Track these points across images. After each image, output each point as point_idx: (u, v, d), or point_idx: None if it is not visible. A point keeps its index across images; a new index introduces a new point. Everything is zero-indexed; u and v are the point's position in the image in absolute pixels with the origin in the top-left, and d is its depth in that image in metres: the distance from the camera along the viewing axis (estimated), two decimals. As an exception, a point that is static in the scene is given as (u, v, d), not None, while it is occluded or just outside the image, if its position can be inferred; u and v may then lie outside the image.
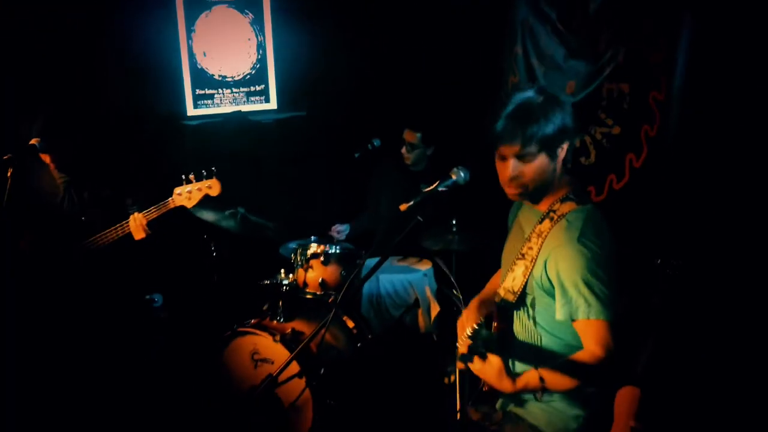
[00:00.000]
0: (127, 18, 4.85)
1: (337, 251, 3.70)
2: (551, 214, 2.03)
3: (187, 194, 3.38)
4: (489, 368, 1.85)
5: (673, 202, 3.23)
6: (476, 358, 1.90)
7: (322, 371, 3.30)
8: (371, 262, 3.97)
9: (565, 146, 1.98)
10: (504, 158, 2.01)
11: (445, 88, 5.22)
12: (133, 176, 3.78)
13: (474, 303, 2.34)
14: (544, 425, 2.13)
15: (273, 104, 5.78)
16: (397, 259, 4.34)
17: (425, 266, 4.17)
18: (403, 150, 4.45)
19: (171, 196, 3.42)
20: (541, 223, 2.05)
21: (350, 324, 3.03)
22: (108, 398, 3.58)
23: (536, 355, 2.01)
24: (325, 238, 4.32)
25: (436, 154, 4.51)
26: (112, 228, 3.42)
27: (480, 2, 4.87)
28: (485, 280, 2.77)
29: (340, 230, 4.49)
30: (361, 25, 5.47)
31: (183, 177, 3.39)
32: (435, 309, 4.07)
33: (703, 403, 2.95)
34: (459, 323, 2.28)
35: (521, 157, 1.97)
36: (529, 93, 1.97)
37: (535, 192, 2.04)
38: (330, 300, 3.61)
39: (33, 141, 3.26)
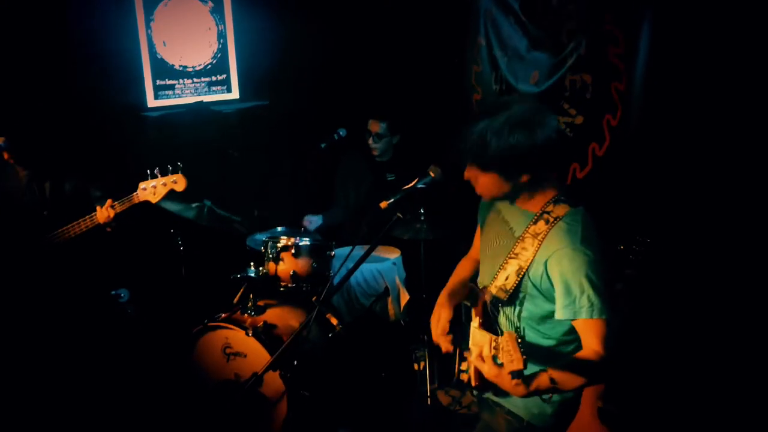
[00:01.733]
0: (84, 8, 4.74)
1: (308, 243, 3.71)
2: (545, 215, 2.08)
3: (151, 189, 3.35)
4: (505, 373, 1.86)
5: (636, 189, 3.32)
6: (491, 364, 1.90)
7: (295, 363, 3.32)
8: (341, 252, 4.03)
9: (525, 177, 2.04)
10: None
11: (409, 77, 5.23)
12: (97, 168, 3.71)
13: (444, 297, 2.36)
14: (521, 411, 2.20)
15: (235, 94, 5.73)
16: (364, 248, 4.35)
17: (394, 255, 4.21)
18: (369, 140, 4.46)
19: (136, 190, 3.38)
20: (535, 223, 2.09)
21: (334, 321, 3.06)
22: (75, 394, 3.54)
23: (534, 353, 2.05)
24: (293, 229, 4.33)
25: (402, 144, 4.53)
26: (81, 220, 3.37)
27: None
28: (453, 267, 2.81)
29: (312, 221, 4.48)
30: (324, 13, 5.44)
31: (148, 171, 3.35)
32: (404, 297, 4.11)
33: (669, 383, 3.08)
34: (433, 318, 2.31)
35: (470, 164, 2.07)
36: (505, 110, 1.99)
37: (495, 198, 2.15)
38: (313, 298, 3.63)
39: None
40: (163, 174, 3.36)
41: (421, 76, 5.16)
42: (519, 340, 1.81)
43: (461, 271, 2.52)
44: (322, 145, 4.42)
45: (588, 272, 1.97)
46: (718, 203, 2.98)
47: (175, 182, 3.36)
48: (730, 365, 2.93)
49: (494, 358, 1.91)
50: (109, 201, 3.34)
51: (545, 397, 2.01)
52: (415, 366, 4.17)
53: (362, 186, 4.63)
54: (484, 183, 2.08)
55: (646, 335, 3.05)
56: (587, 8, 3.58)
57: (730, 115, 2.90)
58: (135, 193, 3.36)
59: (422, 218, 3.89)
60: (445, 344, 2.24)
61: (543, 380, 1.93)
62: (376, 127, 4.41)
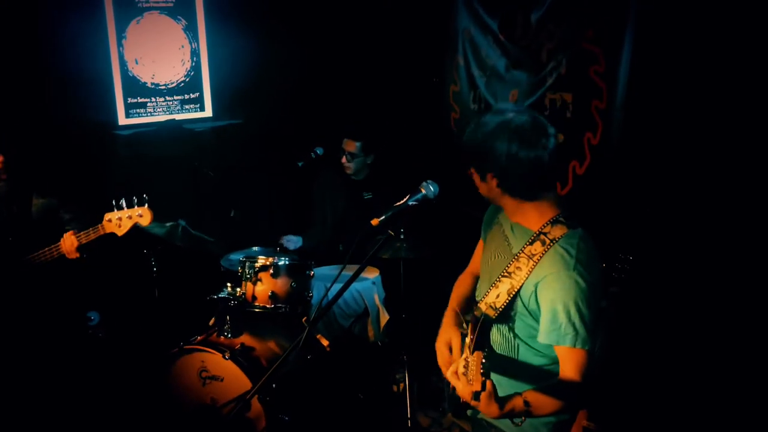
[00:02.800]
0: (55, 23, 4.64)
1: (287, 263, 3.64)
2: (542, 236, 2.04)
3: (117, 221, 3.22)
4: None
5: (617, 207, 3.33)
6: (465, 383, 1.87)
7: (273, 386, 3.23)
8: (320, 271, 3.97)
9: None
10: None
11: (385, 96, 5.23)
12: (67, 189, 3.60)
13: (449, 320, 2.32)
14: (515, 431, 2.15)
15: (208, 112, 5.66)
16: (338, 267, 4.29)
17: (373, 274, 4.16)
18: (343, 159, 4.42)
19: (102, 220, 3.27)
20: (531, 244, 2.05)
21: (324, 342, 2.98)
22: (45, 419, 3.41)
23: (522, 371, 2.02)
24: (268, 249, 4.25)
25: (378, 162, 4.51)
26: (45, 249, 3.26)
27: (420, 11, 4.91)
28: (433, 288, 2.78)
29: (291, 240, 4.41)
30: (298, 31, 5.43)
31: (114, 202, 3.22)
32: (384, 318, 4.06)
33: (654, 400, 3.07)
34: (440, 343, 2.26)
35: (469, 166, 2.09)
36: (506, 115, 1.99)
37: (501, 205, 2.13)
38: (303, 319, 3.58)
39: None
40: (129, 206, 3.23)
41: (397, 94, 5.17)
42: (483, 361, 1.80)
43: (460, 288, 2.47)
44: (300, 164, 4.38)
45: (577, 300, 1.94)
46: (699, 219, 3.00)
47: (140, 215, 3.22)
48: (715, 382, 2.93)
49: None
50: (71, 232, 3.23)
51: (516, 420, 1.98)
52: (395, 388, 4.11)
53: (338, 204, 4.59)
54: (483, 189, 2.09)
55: (630, 352, 3.04)
56: (567, 27, 3.61)
57: (711, 133, 2.94)
58: (100, 225, 3.23)
59: (402, 237, 3.85)
60: (450, 371, 2.20)
61: (518, 403, 1.91)
62: (351, 146, 4.39)
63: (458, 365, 1.93)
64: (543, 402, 1.94)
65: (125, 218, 3.22)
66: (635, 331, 3.04)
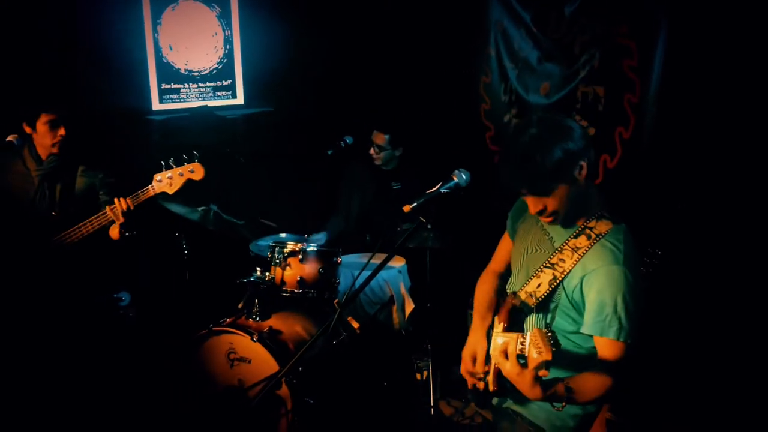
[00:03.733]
0: (92, 11, 4.72)
1: (316, 249, 3.69)
2: (587, 230, 2.07)
3: (168, 180, 3.27)
4: (526, 374, 1.86)
5: (647, 201, 3.32)
6: (515, 362, 1.89)
7: (300, 369, 3.28)
8: (347, 259, 4.01)
9: (583, 165, 1.99)
10: (524, 195, 2.06)
11: (415, 88, 5.24)
12: (105, 170, 3.67)
13: (477, 328, 2.32)
14: (542, 422, 2.18)
15: (240, 100, 5.71)
16: (367, 256, 4.34)
17: (399, 263, 4.19)
18: (372, 151, 4.46)
19: (150, 182, 3.32)
20: (576, 237, 2.08)
21: (355, 324, 3.02)
22: (75, 399, 3.49)
23: (557, 362, 2.04)
24: (296, 235, 4.30)
25: (407, 153, 4.53)
26: (93, 217, 3.32)
27: (452, 2, 4.90)
28: (458, 278, 2.79)
29: (317, 239, 4.43)
30: (330, 21, 5.45)
31: (162, 163, 3.28)
32: (409, 306, 4.09)
33: (679, 396, 3.06)
34: (467, 354, 2.28)
35: (537, 195, 2.01)
36: (531, 129, 1.96)
37: (568, 215, 2.08)
38: (335, 301, 3.64)
39: (10, 138, 3.16)
40: (179, 164, 3.29)
41: (428, 85, 5.17)
42: (549, 334, 1.82)
43: (485, 287, 2.46)
44: (329, 152, 4.41)
45: (625, 294, 1.97)
46: (730, 216, 2.98)
47: (192, 171, 3.28)
48: (743, 379, 2.92)
49: (519, 357, 1.90)
50: (120, 198, 3.29)
51: (557, 405, 2.01)
52: (418, 376, 4.14)
53: (367, 194, 4.62)
54: (554, 200, 2.01)
55: (656, 347, 3.04)
56: (601, 21, 3.59)
57: (745, 129, 2.91)
58: (150, 186, 3.29)
59: (429, 227, 3.87)
60: (472, 381, 2.23)
61: (560, 388, 1.94)
62: (380, 139, 4.42)
63: (507, 345, 1.93)
64: (584, 389, 1.97)
65: (176, 176, 3.28)
66: (661, 325, 3.04)
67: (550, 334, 1.82)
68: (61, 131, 3.32)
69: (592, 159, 2.02)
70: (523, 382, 1.87)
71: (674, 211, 3.20)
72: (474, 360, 2.24)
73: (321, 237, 4.48)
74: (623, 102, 3.44)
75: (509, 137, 2.03)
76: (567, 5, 3.85)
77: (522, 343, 1.90)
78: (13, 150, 3.20)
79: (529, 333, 1.88)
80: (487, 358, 2.23)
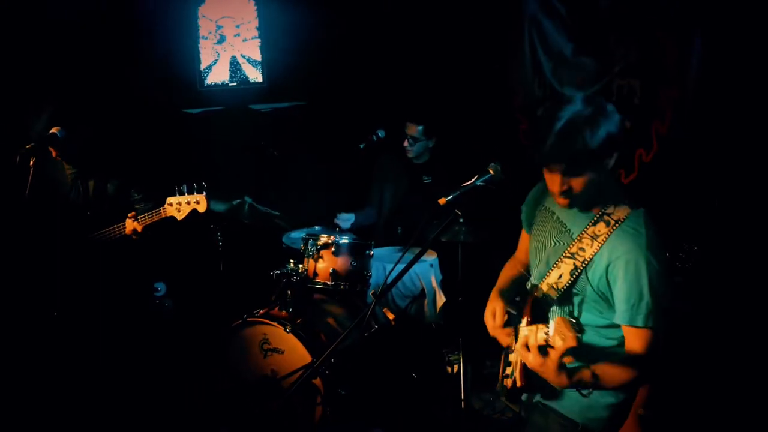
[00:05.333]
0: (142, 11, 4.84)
1: (348, 242, 3.72)
2: (606, 217, 2.05)
3: (177, 205, 3.38)
4: (549, 362, 1.86)
5: (683, 197, 3.28)
6: (536, 353, 1.90)
7: (332, 360, 3.32)
8: (379, 252, 4.03)
9: (615, 155, 1.98)
10: (552, 171, 2.00)
11: (449, 79, 5.23)
12: (139, 168, 3.75)
13: (495, 293, 2.35)
14: (575, 415, 2.17)
15: (273, 93, 5.77)
16: (398, 249, 4.36)
17: (431, 256, 4.20)
18: (405, 143, 4.46)
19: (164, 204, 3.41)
20: (594, 225, 2.06)
21: (390, 315, 3.06)
22: (112, 386, 3.57)
23: (583, 351, 2.04)
24: (329, 228, 4.34)
25: (438, 146, 4.53)
26: (112, 227, 3.43)
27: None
28: (490, 272, 2.79)
29: (345, 218, 4.49)
30: (364, 14, 5.46)
31: (176, 188, 3.38)
32: (440, 300, 4.10)
33: (706, 392, 3.03)
34: (488, 313, 2.29)
35: (568, 173, 1.97)
36: (578, 105, 1.92)
37: (586, 201, 2.06)
38: (372, 292, 3.69)
39: (54, 130, 3.24)
40: (189, 192, 3.38)
41: (461, 78, 5.15)
42: (572, 320, 1.82)
43: (508, 270, 2.50)
44: (361, 146, 4.43)
45: (651, 279, 1.95)
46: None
47: (198, 203, 3.38)
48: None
49: (540, 348, 1.90)
50: (132, 214, 3.38)
51: (584, 392, 2.00)
52: (449, 369, 4.15)
53: (399, 188, 4.64)
54: (582, 181, 1.97)
55: (692, 344, 3.01)
56: (638, 14, 3.54)
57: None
58: (162, 208, 3.40)
59: (461, 220, 3.87)
60: (503, 337, 2.23)
61: (585, 374, 1.94)
62: (412, 130, 4.42)
63: (528, 338, 1.94)
64: (611, 374, 1.96)
65: (184, 204, 3.37)
66: (697, 322, 3.00)
67: (573, 320, 1.83)
68: (53, 153, 3.39)
69: (622, 152, 2.00)
70: (548, 370, 1.88)
71: (711, 207, 3.15)
72: (494, 316, 2.25)
73: (349, 217, 4.50)
74: (660, 96, 3.39)
75: (551, 109, 1.96)
76: (603, -2, 3.81)
77: (546, 333, 1.90)
78: (56, 142, 3.27)
79: (551, 323, 1.89)
80: (508, 347, 2.24)
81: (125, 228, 3.40)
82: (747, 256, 3.01)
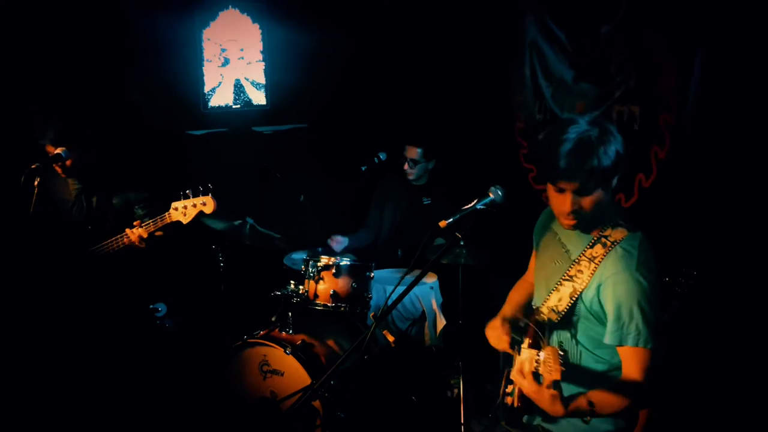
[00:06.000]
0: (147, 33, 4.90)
1: (349, 263, 3.72)
2: (603, 239, 2.08)
3: (182, 209, 3.33)
4: (544, 391, 1.87)
5: (682, 222, 3.29)
6: (531, 380, 1.91)
7: (332, 383, 3.31)
8: (379, 274, 4.04)
9: (617, 176, 2.01)
10: (562, 191, 2.01)
11: (448, 106, 5.27)
12: (142, 185, 3.76)
13: (498, 321, 2.36)
14: (577, 440, 2.17)
15: (275, 116, 5.82)
16: (399, 271, 4.37)
17: (431, 279, 4.20)
18: (406, 166, 4.49)
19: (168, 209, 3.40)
20: (592, 247, 2.09)
21: (390, 338, 3.06)
22: (111, 406, 3.56)
23: (583, 377, 2.04)
24: (329, 249, 4.35)
25: (438, 168, 4.56)
26: (116, 237, 3.41)
27: (486, 20, 4.94)
28: (491, 295, 2.81)
29: (339, 241, 4.49)
30: (366, 39, 5.53)
31: (181, 192, 3.36)
32: (441, 323, 4.09)
33: (714, 416, 3.01)
34: (494, 337, 2.30)
35: (580, 192, 1.98)
36: (583, 125, 1.95)
37: (590, 222, 2.08)
38: (371, 315, 3.67)
39: (58, 150, 3.26)
40: (195, 195, 3.35)
41: (461, 102, 5.20)
42: (560, 353, 1.84)
43: (515, 294, 2.51)
44: (363, 168, 4.47)
45: (640, 300, 1.96)
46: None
47: (204, 204, 3.32)
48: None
49: (535, 375, 1.91)
50: (137, 222, 3.37)
51: (585, 418, 2.01)
52: (449, 393, 4.13)
53: (399, 209, 4.66)
54: (591, 201, 2.00)
55: (691, 368, 3.00)
56: (638, 41, 3.59)
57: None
58: (167, 213, 3.36)
59: (461, 243, 3.88)
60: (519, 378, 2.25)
61: (582, 402, 1.94)
62: (412, 152, 4.46)
63: (523, 365, 1.95)
64: (607, 401, 1.96)
65: (190, 206, 3.33)
66: (695, 346, 3.00)
67: (561, 353, 1.84)
68: (58, 170, 3.40)
69: (624, 174, 2.03)
70: (543, 399, 1.89)
71: (711, 232, 3.17)
72: (500, 340, 2.26)
73: (344, 240, 4.50)
74: (659, 121, 3.42)
75: (556, 131, 1.99)
76: (604, 24, 3.85)
77: (537, 362, 1.92)
78: (61, 161, 3.30)
79: (541, 352, 1.90)
80: (510, 366, 2.25)
81: (128, 237, 3.37)
82: (747, 282, 3.02)
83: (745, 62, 2.97)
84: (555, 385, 1.84)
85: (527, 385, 1.92)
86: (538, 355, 1.92)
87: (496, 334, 2.27)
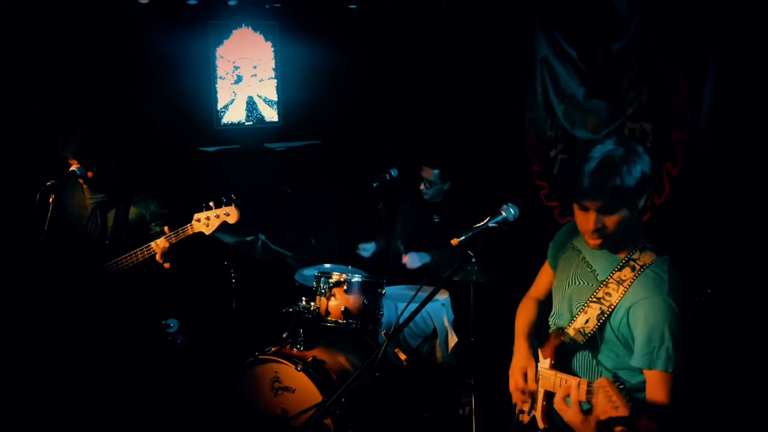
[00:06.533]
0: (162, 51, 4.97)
1: (360, 280, 3.72)
2: (631, 262, 2.07)
3: (205, 221, 3.35)
4: (591, 422, 1.86)
5: (695, 239, 3.27)
6: (577, 410, 1.90)
7: (343, 400, 3.30)
8: (391, 291, 4.03)
9: (644, 197, 2.00)
10: (586, 209, 2.02)
11: (460, 123, 5.29)
12: (158, 199, 3.78)
13: (522, 348, 2.35)
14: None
15: (288, 132, 5.86)
16: (410, 288, 4.36)
17: (443, 296, 4.19)
18: (422, 186, 4.51)
19: (190, 221, 3.42)
20: (620, 270, 2.08)
21: (402, 356, 3.05)
22: (123, 423, 3.56)
23: None
24: (340, 266, 4.35)
25: (452, 187, 4.56)
26: (137, 250, 3.43)
27: (498, 38, 4.96)
28: (503, 312, 2.79)
29: (366, 248, 4.54)
30: (380, 57, 5.57)
31: (203, 204, 3.39)
32: (452, 340, 4.08)
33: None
34: (517, 372, 2.30)
35: (603, 211, 1.99)
36: (609, 145, 1.96)
37: (617, 242, 2.08)
38: (383, 332, 3.65)
39: (73, 167, 3.30)
40: (218, 206, 3.38)
41: (473, 120, 5.22)
42: (621, 386, 1.82)
43: (525, 315, 2.48)
44: (374, 184, 4.48)
45: (672, 324, 1.95)
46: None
47: (227, 214, 3.35)
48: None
49: (582, 405, 1.90)
50: (166, 228, 3.39)
51: None
52: (460, 410, 4.11)
53: (408, 223, 4.69)
54: (615, 220, 1.99)
55: (704, 387, 2.97)
56: (650, 58, 3.59)
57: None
58: (189, 224, 3.38)
59: (473, 260, 3.87)
60: (520, 397, 2.28)
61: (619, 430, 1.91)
62: (428, 173, 4.47)
63: (570, 392, 1.94)
64: (643, 426, 1.91)
65: (213, 217, 3.35)
66: (710, 364, 2.97)
67: (621, 386, 1.82)
68: (80, 181, 3.43)
69: (651, 194, 2.03)
70: (587, 430, 1.87)
71: (725, 249, 3.14)
72: (525, 377, 2.25)
73: (370, 246, 4.58)
74: (671, 138, 3.41)
75: (582, 149, 2.00)
76: (615, 41, 3.86)
77: (588, 392, 1.89)
78: (75, 178, 3.33)
79: (595, 382, 1.88)
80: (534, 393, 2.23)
81: (152, 250, 3.38)
82: (762, 299, 2.99)
83: (758, 78, 2.96)
84: (622, 421, 1.81)
85: (572, 414, 1.91)
86: (590, 385, 1.91)
87: (519, 375, 2.28)
